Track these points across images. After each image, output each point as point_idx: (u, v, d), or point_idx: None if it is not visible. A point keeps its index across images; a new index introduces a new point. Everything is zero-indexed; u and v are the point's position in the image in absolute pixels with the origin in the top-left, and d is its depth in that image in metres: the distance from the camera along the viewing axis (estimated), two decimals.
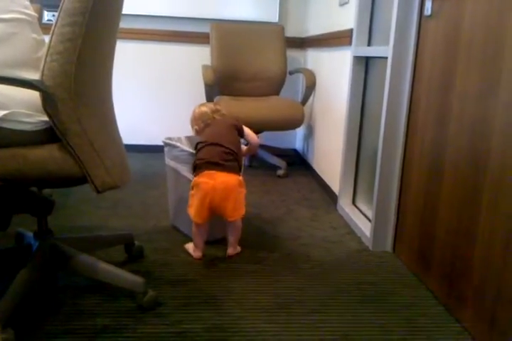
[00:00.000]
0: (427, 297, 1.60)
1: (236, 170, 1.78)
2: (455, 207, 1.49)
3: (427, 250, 1.67)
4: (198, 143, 1.85)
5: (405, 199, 1.86)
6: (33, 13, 1.33)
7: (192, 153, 1.88)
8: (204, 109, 1.98)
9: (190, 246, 1.87)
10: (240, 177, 1.78)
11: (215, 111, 1.98)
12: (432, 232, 1.63)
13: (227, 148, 1.78)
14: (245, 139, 2.01)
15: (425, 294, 1.61)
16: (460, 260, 1.45)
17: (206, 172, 1.72)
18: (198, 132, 1.98)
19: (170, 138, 2.08)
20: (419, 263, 1.73)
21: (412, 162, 1.81)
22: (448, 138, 1.54)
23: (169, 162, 2.06)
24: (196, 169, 1.78)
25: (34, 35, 1.31)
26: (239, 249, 1.88)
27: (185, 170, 1.93)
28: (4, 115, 1.14)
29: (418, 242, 1.74)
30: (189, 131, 2.10)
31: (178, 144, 2.00)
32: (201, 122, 1.95)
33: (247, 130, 2.00)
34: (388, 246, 1.96)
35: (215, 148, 1.78)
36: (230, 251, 1.85)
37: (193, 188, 1.76)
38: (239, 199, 1.76)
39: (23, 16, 1.27)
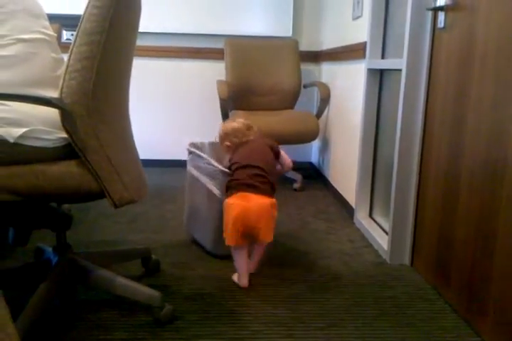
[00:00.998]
0: (446, 310, 1.57)
1: (270, 192, 1.72)
2: (473, 219, 1.47)
3: (445, 262, 1.65)
4: (232, 164, 1.78)
5: (422, 211, 1.85)
6: (51, 32, 1.37)
7: (220, 170, 1.85)
8: (236, 125, 1.88)
9: (235, 276, 1.77)
10: (274, 200, 1.71)
11: (249, 128, 1.89)
12: (450, 244, 1.61)
13: (262, 170, 1.72)
14: (279, 161, 1.93)
15: (444, 307, 1.59)
16: (479, 272, 1.43)
17: (240, 193, 1.66)
18: (229, 148, 1.88)
19: (194, 144, 2.07)
20: (438, 276, 1.71)
21: (429, 173, 1.80)
22: (464, 149, 1.53)
23: (191, 169, 2.04)
24: (229, 190, 1.71)
25: (53, 55, 1.34)
26: (257, 266, 1.83)
27: (209, 183, 1.91)
28: (24, 132, 1.17)
29: (436, 255, 1.72)
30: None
31: (205, 156, 1.97)
32: (234, 138, 1.86)
33: (282, 152, 1.94)
34: (406, 258, 1.94)
35: (251, 169, 1.71)
36: (252, 267, 1.79)
37: (223, 211, 1.69)
38: (271, 222, 1.69)
39: (43, 36, 1.31)
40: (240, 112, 3.25)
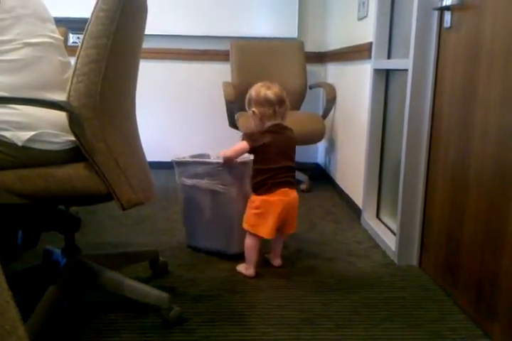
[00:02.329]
0: (455, 311, 1.57)
1: (296, 187, 1.86)
2: (481, 219, 1.46)
3: (454, 263, 1.64)
4: (263, 148, 1.75)
5: (430, 212, 1.84)
6: (59, 36, 1.37)
7: (220, 164, 1.84)
8: (270, 95, 1.77)
9: (241, 267, 1.85)
10: None
11: (281, 104, 1.78)
12: (459, 245, 1.61)
13: (293, 167, 1.83)
14: None
15: (453, 308, 1.58)
16: (488, 273, 1.42)
17: (281, 190, 1.75)
18: (255, 116, 1.80)
19: (177, 160, 2.00)
20: (446, 276, 1.70)
21: (437, 173, 1.79)
22: (472, 148, 1.53)
23: (184, 181, 1.98)
24: (267, 187, 1.75)
25: (60, 58, 1.35)
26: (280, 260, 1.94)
27: (211, 183, 1.90)
28: (32, 136, 1.18)
29: (444, 255, 1.71)
30: (211, 147, 2.09)
31: (197, 159, 1.95)
32: (269, 110, 1.76)
33: None
34: (414, 259, 1.94)
35: (286, 167, 1.79)
36: (278, 262, 1.91)
37: (258, 207, 1.76)
38: (297, 214, 1.87)
39: (50, 40, 1.32)
40: (246, 113, 3.24)
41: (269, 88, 1.80)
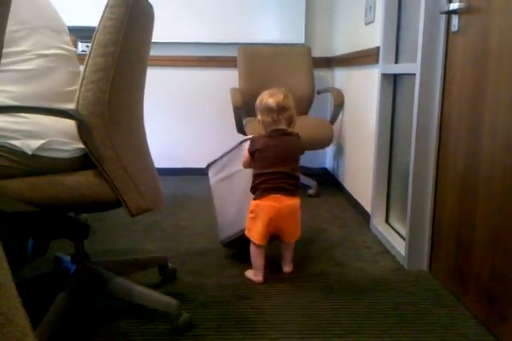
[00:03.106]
0: (466, 316, 1.55)
1: (297, 192, 1.82)
2: (492, 223, 1.45)
3: (464, 268, 1.63)
4: (259, 153, 1.77)
5: (440, 216, 1.83)
6: (71, 47, 1.39)
7: (240, 143, 1.90)
8: (271, 104, 1.78)
9: (250, 272, 1.86)
10: (299, 200, 1.82)
11: (281, 111, 1.78)
12: (469, 249, 1.59)
13: (293, 175, 1.79)
14: None
15: (464, 313, 1.57)
16: (499, 277, 1.41)
17: (272, 195, 1.75)
18: (259, 122, 1.86)
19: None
20: (457, 281, 1.68)
21: (446, 178, 1.78)
22: (481, 152, 1.52)
23: (217, 176, 2.04)
24: (259, 192, 1.77)
25: (71, 69, 1.36)
26: (291, 265, 1.93)
27: (236, 166, 1.93)
28: (42, 144, 1.19)
29: (455, 260, 1.70)
30: (220, 153, 2.10)
31: (220, 154, 2.02)
32: (266, 118, 1.80)
33: None
34: (424, 264, 1.92)
35: (283, 172, 1.77)
36: (288, 268, 1.90)
37: (252, 212, 1.78)
38: (298, 222, 1.85)
39: (62, 51, 1.33)
40: (254, 119, 3.26)
41: (271, 95, 1.81)
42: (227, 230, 2.02)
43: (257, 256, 1.82)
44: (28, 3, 1.25)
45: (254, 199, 1.79)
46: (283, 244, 1.89)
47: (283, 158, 1.78)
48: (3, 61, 1.18)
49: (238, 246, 2.05)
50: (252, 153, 1.79)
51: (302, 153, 1.90)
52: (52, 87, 1.28)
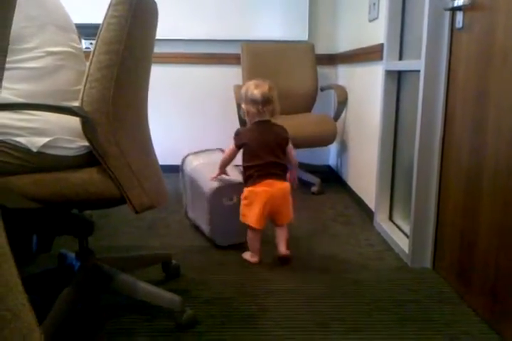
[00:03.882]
0: (470, 314, 1.55)
1: (286, 178, 1.96)
2: (496, 220, 1.45)
3: (468, 265, 1.63)
4: (245, 146, 1.90)
5: (444, 214, 1.83)
6: (79, 45, 1.39)
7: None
8: (257, 95, 1.87)
9: (246, 254, 1.99)
10: (289, 185, 1.95)
11: (267, 102, 1.87)
12: (473, 246, 1.59)
13: (280, 163, 1.92)
14: (286, 156, 2.00)
15: (467, 311, 1.57)
16: (503, 275, 1.41)
17: (265, 181, 1.87)
18: (243, 112, 1.95)
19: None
20: (460, 279, 1.68)
21: (450, 175, 1.78)
22: (486, 149, 1.51)
23: (199, 161, 2.26)
24: (252, 179, 1.89)
25: (77, 67, 1.36)
26: (289, 251, 1.98)
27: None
28: (47, 142, 1.19)
29: (458, 257, 1.70)
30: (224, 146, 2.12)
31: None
32: (252, 108, 1.89)
33: (291, 149, 2.00)
34: (427, 262, 1.92)
35: (272, 162, 1.89)
36: (284, 249, 1.95)
37: (246, 198, 1.90)
38: (290, 204, 1.96)
39: (70, 49, 1.33)
40: None
41: (257, 87, 1.89)
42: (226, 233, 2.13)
43: (253, 240, 1.94)
44: (37, 0, 1.25)
45: (247, 186, 1.91)
46: (278, 231, 1.98)
47: (270, 149, 1.90)
48: (12, 58, 1.19)
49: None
50: (238, 146, 1.92)
51: (287, 144, 1.97)
52: (59, 85, 1.28)
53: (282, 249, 1.95)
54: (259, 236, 1.95)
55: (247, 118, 1.95)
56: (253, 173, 1.88)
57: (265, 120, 1.92)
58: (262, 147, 1.89)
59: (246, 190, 1.91)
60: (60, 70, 1.29)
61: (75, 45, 1.37)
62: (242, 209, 1.92)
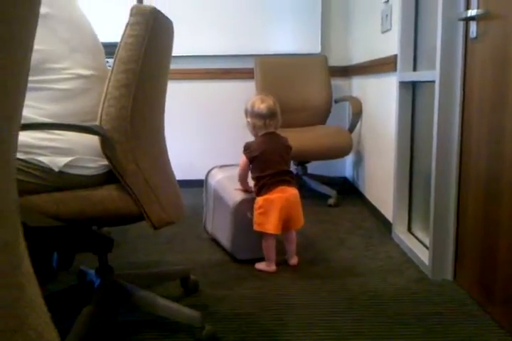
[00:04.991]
0: (493, 326, 1.52)
1: (296, 185, 2.04)
2: None
3: (490, 276, 1.60)
4: (255, 157, 1.98)
5: (464, 224, 1.81)
6: (106, 68, 1.41)
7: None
8: (262, 110, 1.99)
9: (261, 265, 2.03)
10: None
11: (272, 116, 2.01)
12: (494, 257, 1.57)
13: (289, 170, 2.04)
14: None
15: (491, 323, 1.54)
16: None
17: (278, 188, 1.95)
18: (249, 125, 2.07)
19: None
20: (482, 290, 1.66)
21: (469, 185, 1.76)
22: (504, 159, 1.50)
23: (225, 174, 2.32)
24: (266, 187, 1.96)
25: (103, 89, 1.38)
26: (297, 258, 2.09)
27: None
28: (69, 161, 1.21)
29: (480, 269, 1.67)
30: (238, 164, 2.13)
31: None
32: (257, 122, 2.01)
33: None
34: (448, 273, 1.90)
35: (282, 171, 1.99)
36: (294, 261, 2.07)
37: (261, 207, 1.96)
38: (301, 209, 2.04)
39: (98, 73, 1.34)
40: None
41: (263, 101, 2.02)
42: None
43: (269, 248, 2.00)
44: (68, 23, 1.27)
45: (261, 195, 1.97)
46: (287, 236, 2.05)
47: (279, 159, 2.00)
48: (42, 77, 1.21)
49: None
50: (251, 159, 2.00)
51: (291, 151, 2.10)
52: (84, 107, 1.30)
53: (292, 261, 2.06)
54: (274, 244, 2.01)
55: (253, 132, 2.06)
56: (266, 182, 1.96)
57: (271, 132, 2.03)
58: (273, 157, 1.99)
59: (260, 199, 1.97)
60: (87, 93, 1.30)
61: (103, 67, 1.39)
62: (257, 218, 1.97)
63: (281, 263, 2.06)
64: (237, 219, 2.06)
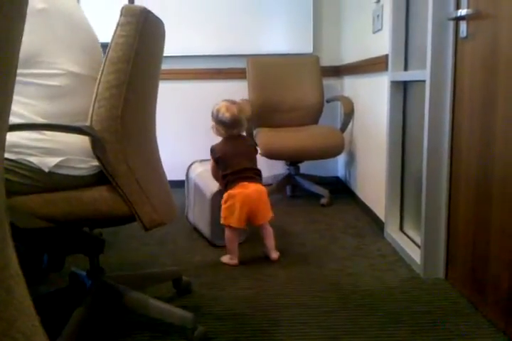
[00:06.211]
0: (485, 324, 1.53)
1: (261, 181, 2.14)
2: (507, 229, 1.44)
3: (482, 275, 1.61)
4: (220, 158, 2.12)
5: (455, 223, 1.82)
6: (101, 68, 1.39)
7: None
8: (226, 118, 2.11)
9: (225, 258, 2.11)
10: (264, 187, 2.13)
11: (235, 124, 2.13)
12: (485, 256, 1.58)
13: (253, 168, 2.14)
14: None
15: (482, 321, 1.55)
16: None
17: (240, 184, 2.05)
18: (213, 129, 2.20)
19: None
20: (474, 289, 1.66)
21: (459, 184, 1.77)
22: (494, 158, 1.51)
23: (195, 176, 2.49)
24: (229, 183, 2.08)
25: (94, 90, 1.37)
26: (278, 252, 2.15)
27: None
28: (59, 162, 1.20)
29: (471, 267, 1.68)
30: None
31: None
32: (221, 129, 2.15)
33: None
34: (440, 272, 1.90)
35: (244, 169, 2.09)
36: (275, 255, 2.13)
37: (226, 201, 2.06)
38: (267, 204, 2.12)
39: (92, 73, 1.33)
40: (264, 129, 3.27)
41: (228, 110, 2.13)
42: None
43: (232, 241, 2.08)
44: (66, 21, 1.26)
45: (226, 190, 2.08)
46: (262, 231, 2.13)
47: (241, 158, 2.12)
48: (30, 71, 1.19)
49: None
50: (216, 160, 2.15)
51: (256, 151, 2.23)
52: (75, 107, 1.29)
53: (273, 255, 2.12)
54: (237, 238, 2.12)
55: (217, 133, 2.19)
56: (229, 178, 2.08)
57: (234, 135, 2.16)
58: (235, 156, 2.11)
59: (225, 194, 2.08)
60: (79, 93, 1.29)
61: (98, 67, 1.37)
62: (223, 211, 2.07)
63: (264, 258, 2.14)
64: (214, 208, 2.23)
